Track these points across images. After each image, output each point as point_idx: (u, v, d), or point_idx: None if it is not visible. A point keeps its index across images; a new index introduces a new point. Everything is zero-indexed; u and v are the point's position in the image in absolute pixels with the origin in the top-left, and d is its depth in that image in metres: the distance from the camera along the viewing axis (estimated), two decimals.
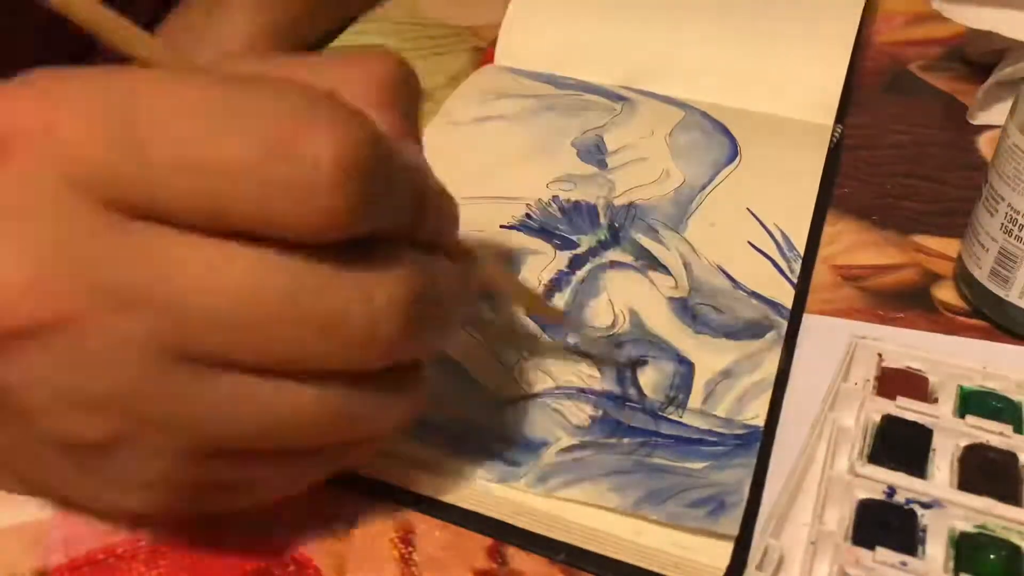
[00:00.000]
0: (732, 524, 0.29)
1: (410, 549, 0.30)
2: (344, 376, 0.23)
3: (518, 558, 0.29)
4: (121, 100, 0.21)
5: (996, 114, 0.51)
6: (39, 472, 0.25)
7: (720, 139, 0.47)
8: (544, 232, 0.41)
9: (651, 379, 0.34)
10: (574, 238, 0.40)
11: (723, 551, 0.29)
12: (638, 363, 0.34)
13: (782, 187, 0.44)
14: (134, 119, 0.21)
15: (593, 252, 0.40)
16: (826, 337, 0.37)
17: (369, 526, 0.30)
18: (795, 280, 0.38)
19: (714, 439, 0.32)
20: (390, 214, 0.23)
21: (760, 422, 0.32)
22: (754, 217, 0.42)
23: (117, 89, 0.22)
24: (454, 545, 0.30)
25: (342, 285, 0.22)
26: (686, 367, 0.35)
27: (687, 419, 0.32)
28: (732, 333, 0.36)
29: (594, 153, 0.46)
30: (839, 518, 0.29)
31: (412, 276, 0.23)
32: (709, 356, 0.35)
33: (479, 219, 0.41)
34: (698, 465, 0.31)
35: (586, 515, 0.29)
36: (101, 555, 0.29)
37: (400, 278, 0.23)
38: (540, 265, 0.39)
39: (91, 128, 0.21)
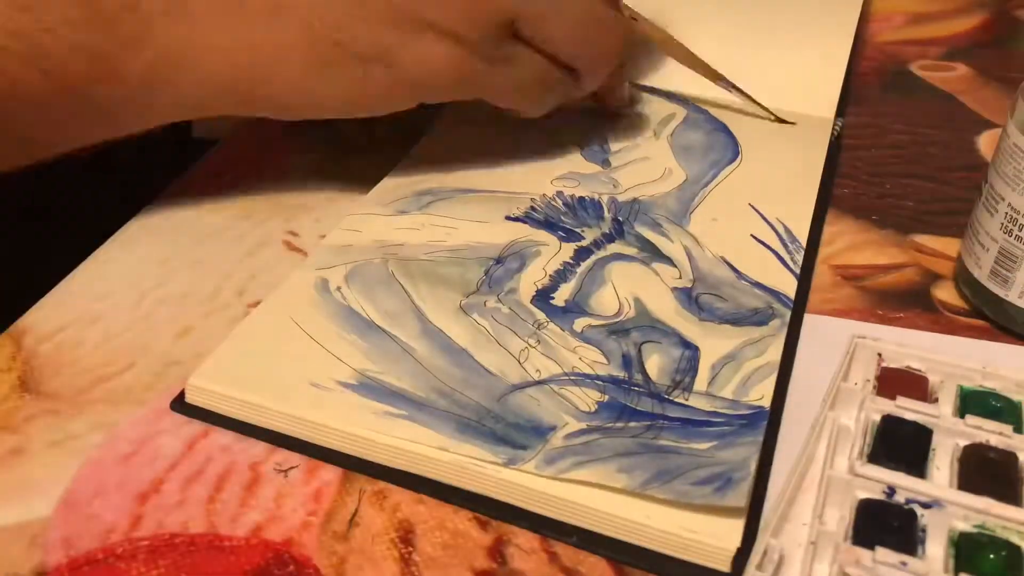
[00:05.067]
0: (739, 498, 0.29)
1: (410, 549, 0.30)
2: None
3: (518, 558, 0.29)
4: None
5: None
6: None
7: (721, 138, 0.47)
8: (549, 225, 0.41)
9: (657, 364, 0.34)
10: (579, 231, 0.41)
11: (734, 533, 0.29)
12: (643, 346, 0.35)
13: (783, 181, 0.44)
14: None
15: (597, 244, 0.40)
16: (826, 337, 0.37)
17: (369, 526, 0.30)
18: (797, 270, 0.39)
19: (720, 420, 0.32)
20: None
21: (766, 403, 0.33)
22: (756, 212, 0.42)
23: None
24: (454, 545, 0.30)
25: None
26: (692, 351, 0.35)
27: (693, 402, 0.33)
28: (736, 320, 0.36)
29: (598, 152, 0.46)
30: (839, 518, 0.29)
31: None
32: (714, 341, 0.35)
33: (484, 212, 0.42)
34: (704, 445, 0.31)
35: (597, 499, 0.30)
36: (101, 555, 0.29)
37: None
38: (545, 257, 0.39)
39: None
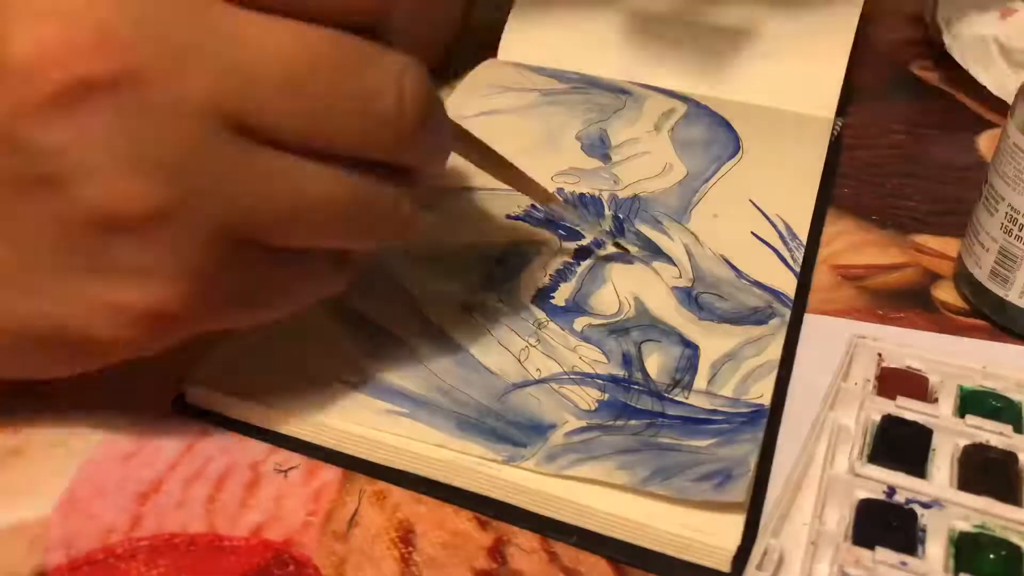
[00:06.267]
0: (739, 493, 0.29)
1: (410, 549, 0.30)
2: (367, 166, 0.26)
3: (518, 558, 0.29)
4: None
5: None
6: (46, 277, 0.25)
7: (722, 133, 0.47)
8: (549, 223, 0.41)
9: (657, 362, 0.34)
10: (579, 229, 0.41)
11: (733, 533, 0.29)
12: (643, 344, 0.35)
13: (784, 179, 0.44)
14: None
15: (598, 243, 0.40)
16: (826, 337, 0.37)
17: (369, 526, 0.30)
18: (798, 269, 0.39)
19: (720, 418, 0.32)
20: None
21: (766, 401, 0.33)
22: (756, 208, 0.42)
23: None
24: (454, 545, 0.30)
25: (379, 66, 0.25)
26: (692, 350, 0.35)
27: (693, 400, 0.33)
28: (736, 319, 0.36)
29: (598, 147, 0.46)
30: (839, 518, 0.29)
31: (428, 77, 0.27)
32: (714, 340, 0.35)
33: (485, 210, 0.42)
34: (704, 443, 0.31)
35: (597, 498, 0.30)
36: (101, 555, 0.29)
37: (422, 71, 0.26)
38: (546, 256, 0.39)
39: None
